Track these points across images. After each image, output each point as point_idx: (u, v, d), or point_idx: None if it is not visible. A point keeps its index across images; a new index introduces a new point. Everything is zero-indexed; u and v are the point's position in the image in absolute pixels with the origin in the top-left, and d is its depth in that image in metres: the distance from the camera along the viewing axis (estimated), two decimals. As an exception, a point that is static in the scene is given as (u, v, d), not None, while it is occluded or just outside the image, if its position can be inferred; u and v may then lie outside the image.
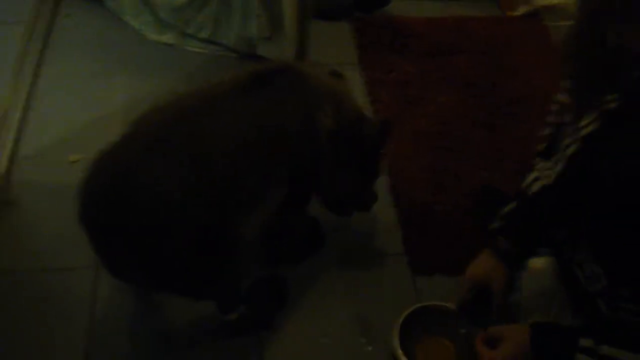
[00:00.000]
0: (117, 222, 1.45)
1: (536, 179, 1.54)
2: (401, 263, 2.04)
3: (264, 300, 1.89)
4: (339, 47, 2.81)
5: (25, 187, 2.19)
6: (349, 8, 2.95)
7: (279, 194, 1.66)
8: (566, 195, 1.45)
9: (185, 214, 1.45)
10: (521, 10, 3.05)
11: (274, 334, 1.85)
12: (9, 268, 1.97)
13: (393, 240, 2.10)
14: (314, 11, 2.53)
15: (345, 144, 1.72)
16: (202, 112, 1.53)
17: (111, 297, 1.92)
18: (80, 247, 1.98)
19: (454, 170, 2.29)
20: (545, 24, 3.00)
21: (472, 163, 2.32)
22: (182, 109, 1.54)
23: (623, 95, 1.32)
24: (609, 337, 1.32)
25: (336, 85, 1.76)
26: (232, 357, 1.81)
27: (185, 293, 1.66)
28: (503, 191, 2.07)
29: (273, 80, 1.62)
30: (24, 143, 2.33)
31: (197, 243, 1.47)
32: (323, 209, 1.94)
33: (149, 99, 2.43)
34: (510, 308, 1.72)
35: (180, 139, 1.48)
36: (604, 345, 1.30)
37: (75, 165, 2.25)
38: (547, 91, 2.58)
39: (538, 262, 1.71)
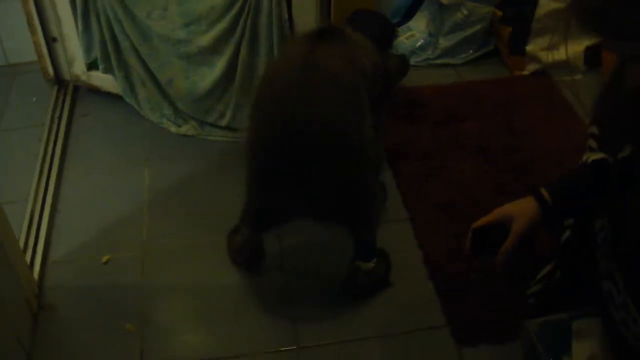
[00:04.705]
0: (307, 144, 1.79)
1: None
2: (444, 335, 2.00)
3: (383, 260, 2.18)
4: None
5: (59, 291, 2.18)
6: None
7: (368, 101, 1.99)
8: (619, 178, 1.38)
9: (352, 127, 1.86)
10: (529, 69, 3.08)
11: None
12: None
13: (433, 313, 2.07)
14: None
15: (378, 77, 2.14)
16: (314, 57, 1.86)
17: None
18: (114, 350, 1.99)
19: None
20: (554, 80, 3.03)
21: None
22: (297, 62, 1.88)
23: None
24: None
25: (361, 38, 2.16)
26: None
27: (346, 213, 1.97)
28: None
29: (333, 32, 2.02)
30: (54, 247, 2.34)
31: (357, 149, 1.87)
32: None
33: (173, 189, 2.49)
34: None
35: (316, 77, 1.83)
36: None
37: (107, 265, 2.25)
38: (559, 147, 2.61)
39: (584, 324, 1.69)
